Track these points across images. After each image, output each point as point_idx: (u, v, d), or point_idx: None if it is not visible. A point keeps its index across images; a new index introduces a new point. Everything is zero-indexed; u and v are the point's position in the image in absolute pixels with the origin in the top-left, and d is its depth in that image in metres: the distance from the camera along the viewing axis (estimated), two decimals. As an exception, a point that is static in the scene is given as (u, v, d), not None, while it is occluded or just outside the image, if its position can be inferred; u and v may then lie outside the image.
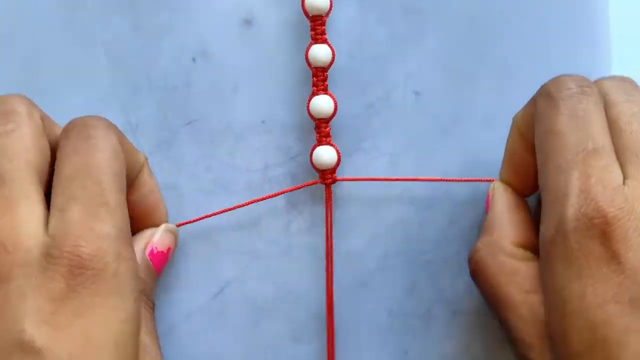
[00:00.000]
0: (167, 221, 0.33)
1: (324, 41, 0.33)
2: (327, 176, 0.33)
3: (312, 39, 0.33)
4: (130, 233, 0.27)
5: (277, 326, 0.34)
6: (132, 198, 0.31)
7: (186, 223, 0.33)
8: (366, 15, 0.34)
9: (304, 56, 0.33)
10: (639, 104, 0.28)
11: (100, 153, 0.27)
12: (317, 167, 0.33)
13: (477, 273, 0.30)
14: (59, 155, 0.28)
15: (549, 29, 0.35)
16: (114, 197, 0.27)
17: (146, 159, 0.32)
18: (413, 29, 0.34)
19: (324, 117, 0.33)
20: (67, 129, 0.28)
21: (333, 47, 0.33)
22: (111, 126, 0.29)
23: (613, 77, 0.29)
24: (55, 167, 0.27)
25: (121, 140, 0.29)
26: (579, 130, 0.27)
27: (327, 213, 0.34)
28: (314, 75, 0.33)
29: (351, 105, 0.34)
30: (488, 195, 0.32)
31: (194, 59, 0.33)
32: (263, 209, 0.34)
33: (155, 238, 0.32)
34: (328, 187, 0.33)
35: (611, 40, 0.36)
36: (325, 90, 0.33)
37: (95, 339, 0.25)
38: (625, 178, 0.26)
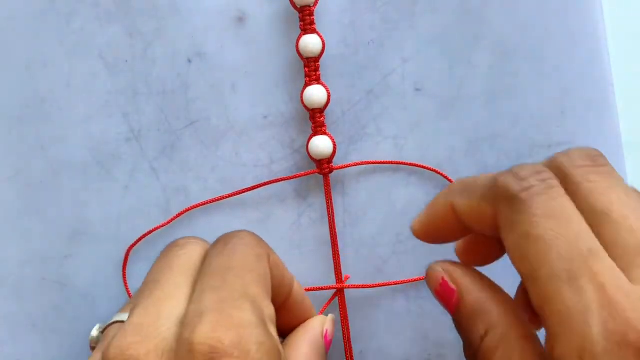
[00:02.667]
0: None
1: (313, 31, 0.33)
2: (323, 166, 0.33)
3: (301, 30, 0.33)
4: (274, 324, 0.25)
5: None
6: (288, 310, 0.30)
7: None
8: (356, 3, 0.34)
9: (295, 48, 0.33)
10: (619, 188, 0.24)
11: (242, 256, 0.26)
12: (314, 157, 0.33)
13: None
14: (203, 263, 0.27)
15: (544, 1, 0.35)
16: (255, 289, 0.25)
17: (294, 277, 0.30)
18: (405, 12, 0.34)
19: (317, 107, 0.33)
20: (216, 240, 0.28)
21: (326, 36, 0.33)
22: (256, 238, 0.28)
23: (569, 153, 0.26)
24: (199, 275, 0.26)
25: (271, 255, 0.28)
26: (565, 233, 0.23)
27: (327, 202, 0.34)
28: (305, 65, 0.33)
29: (351, 92, 0.34)
30: (441, 284, 0.28)
31: (189, 61, 0.34)
32: (272, 202, 0.34)
33: (328, 325, 0.31)
34: (326, 176, 0.34)
35: (605, 13, 0.35)
36: (317, 80, 0.33)
37: None
38: (630, 280, 0.22)
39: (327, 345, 0.31)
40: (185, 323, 0.24)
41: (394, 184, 0.34)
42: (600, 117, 0.35)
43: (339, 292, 0.34)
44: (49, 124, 0.34)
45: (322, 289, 0.33)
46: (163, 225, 0.33)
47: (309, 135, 0.33)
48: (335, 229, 0.34)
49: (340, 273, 0.33)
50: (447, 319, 0.29)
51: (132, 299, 0.27)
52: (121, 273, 0.33)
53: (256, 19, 0.34)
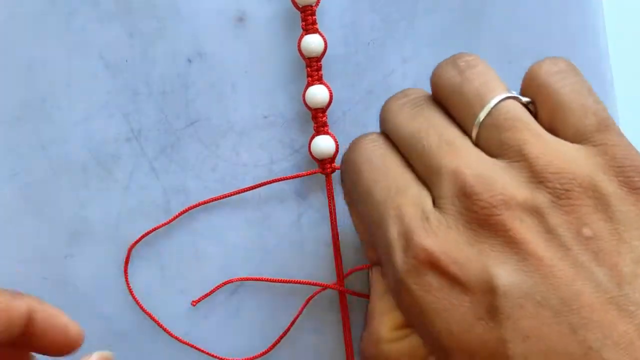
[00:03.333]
0: (82, 335, 0.28)
1: (315, 31, 0.33)
2: (326, 166, 0.33)
3: (303, 30, 0.33)
4: None
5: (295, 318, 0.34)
6: (36, 336, 0.27)
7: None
8: (358, 3, 0.34)
9: (297, 47, 0.33)
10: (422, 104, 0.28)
11: None
12: (317, 157, 0.33)
13: None
14: None
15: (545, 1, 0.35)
16: None
17: (28, 307, 0.27)
18: (405, 12, 0.34)
19: (320, 106, 0.33)
20: None
21: (327, 36, 0.33)
22: None
23: (391, 103, 0.29)
24: None
25: None
26: (381, 179, 0.27)
27: (329, 202, 0.33)
28: (307, 65, 0.33)
29: (352, 92, 0.34)
30: None
31: (189, 61, 0.34)
32: (273, 202, 0.34)
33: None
34: (329, 176, 0.33)
35: (605, 15, 0.35)
36: (320, 80, 0.33)
37: None
38: (435, 199, 0.25)
39: None
40: None
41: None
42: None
43: (341, 295, 0.33)
44: (49, 124, 0.33)
45: (322, 285, 0.33)
46: (163, 225, 0.33)
47: (311, 135, 0.33)
48: (337, 230, 0.33)
49: (342, 273, 0.33)
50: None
51: None
52: (121, 272, 0.33)
53: (257, 18, 0.34)
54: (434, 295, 0.24)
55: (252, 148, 0.34)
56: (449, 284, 0.24)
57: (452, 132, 0.26)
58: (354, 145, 0.29)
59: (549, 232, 0.24)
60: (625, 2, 0.37)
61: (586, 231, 0.24)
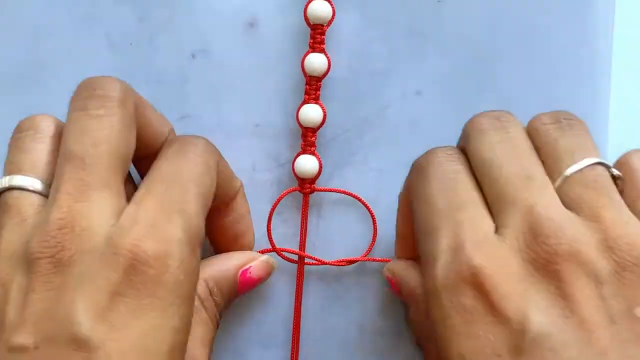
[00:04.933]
0: (253, 247, 0.33)
1: (322, 50, 0.33)
2: (305, 185, 0.33)
3: (310, 47, 0.33)
4: (201, 246, 0.26)
5: (246, 332, 0.34)
6: (224, 221, 0.31)
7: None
8: (369, 31, 0.34)
9: (300, 64, 0.33)
10: (508, 141, 0.27)
11: (192, 166, 0.27)
12: (299, 175, 0.33)
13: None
14: (155, 163, 0.27)
15: (551, 61, 0.35)
16: (194, 207, 0.26)
17: (242, 185, 0.32)
18: (415, 50, 0.34)
19: (311, 126, 0.33)
20: (170, 141, 0.29)
21: (332, 57, 0.33)
22: (210, 146, 0.29)
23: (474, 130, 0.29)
24: (148, 172, 0.27)
25: (220, 162, 0.29)
26: (448, 192, 0.26)
27: (302, 220, 0.34)
28: (307, 83, 0.33)
29: (346, 117, 0.34)
30: (390, 280, 0.32)
31: (193, 55, 0.34)
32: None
33: (254, 263, 0.32)
34: (306, 195, 0.33)
35: (611, 79, 0.35)
36: (316, 100, 0.33)
37: (149, 346, 0.23)
38: (498, 227, 0.25)
39: (245, 284, 0.31)
40: (118, 225, 0.25)
41: (368, 220, 0.34)
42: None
43: (300, 260, 0.34)
44: (44, 92, 0.34)
45: (285, 250, 0.33)
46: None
47: (297, 153, 0.33)
48: (304, 247, 0.34)
49: (301, 292, 0.33)
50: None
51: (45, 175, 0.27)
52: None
53: (267, 27, 0.34)
54: (464, 317, 0.24)
55: (237, 152, 0.34)
56: (483, 309, 0.24)
57: (537, 170, 0.26)
58: (429, 152, 0.29)
59: (602, 298, 0.23)
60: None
61: (638, 311, 0.23)
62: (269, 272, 0.33)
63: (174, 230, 0.25)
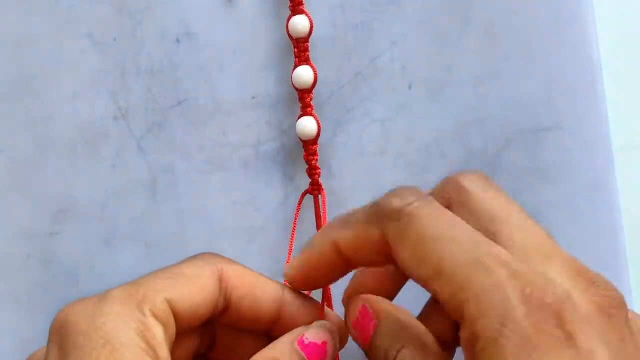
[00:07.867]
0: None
1: (302, 12, 0.33)
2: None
3: (290, 11, 0.33)
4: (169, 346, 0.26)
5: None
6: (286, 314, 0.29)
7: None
8: (346, -16, 0.34)
9: (285, 28, 0.33)
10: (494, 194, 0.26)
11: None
12: (301, 138, 0.33)
13: None
14: None
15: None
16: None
17: (284, 288, 0.29)
18: (394, -6, 0.34)
19: (306, 87, 0.33)
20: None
21: (314, 17, 0.33)
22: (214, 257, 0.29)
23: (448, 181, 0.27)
24: None
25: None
26: (459, 229, 0.25)
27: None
28: (295, 46, 0.33)
29: (339, 74, 0.34)
30: (360, 311, 0.28)
31: (178, 40, 0.34)
32: (260, 183, 0.34)
33: (307, 330, 0.28)
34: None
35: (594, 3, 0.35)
36: (307, 61, 0.33)
37: None
38: None
39: (312, 355, 0.28)
40: None
41: (381, 168, 0.34)
42: (588, 101, 0.35)
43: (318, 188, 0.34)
44: (37, 101, 0.33)
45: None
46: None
47: (298, 116, 0.34)
48: (319, 211, 0.34)
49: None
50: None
51: None
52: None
53: (245, 0, 0.34)
54: (548, 344, 0.22)
55: (239, 128, 0.34)
56: (564, 339, 0.22)
57: None
58: (412, 206, 0.25)
59: None
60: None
61: None
62: (331, 335, 0.29)
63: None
